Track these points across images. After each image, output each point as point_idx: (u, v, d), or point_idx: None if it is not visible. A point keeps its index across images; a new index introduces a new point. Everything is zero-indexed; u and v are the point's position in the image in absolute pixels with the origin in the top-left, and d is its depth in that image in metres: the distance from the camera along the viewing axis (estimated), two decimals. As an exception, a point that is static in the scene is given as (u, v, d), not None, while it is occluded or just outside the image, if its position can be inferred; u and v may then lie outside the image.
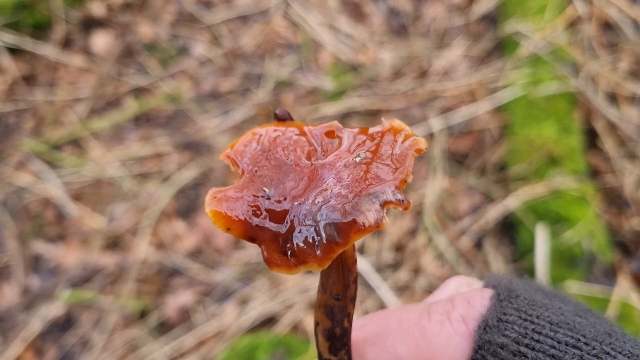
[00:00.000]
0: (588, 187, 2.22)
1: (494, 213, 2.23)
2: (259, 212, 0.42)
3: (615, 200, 2.29)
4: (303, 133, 0.47)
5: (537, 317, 0.52)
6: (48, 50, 3.02)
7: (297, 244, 0.40)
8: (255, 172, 0.44)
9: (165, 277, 2.17)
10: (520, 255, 2.15)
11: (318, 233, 0.40)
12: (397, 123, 0.47)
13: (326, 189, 0.42)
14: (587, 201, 2.16)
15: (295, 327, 1.94)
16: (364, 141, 0.46)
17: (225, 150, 0.47)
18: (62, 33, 3.08)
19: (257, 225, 0.42)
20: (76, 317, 2.12)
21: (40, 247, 2.32)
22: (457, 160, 2.47)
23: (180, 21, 3.16)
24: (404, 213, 2.29)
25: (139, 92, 2.93)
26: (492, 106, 2.58)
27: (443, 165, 2.42)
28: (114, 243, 2.30)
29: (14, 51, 3.00)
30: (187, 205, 2.39)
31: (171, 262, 2.20)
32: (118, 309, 2.09)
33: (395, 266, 2.12)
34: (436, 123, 2.56)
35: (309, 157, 0.45)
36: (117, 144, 2.70)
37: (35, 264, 2.28)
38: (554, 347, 0.50)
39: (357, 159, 0.44)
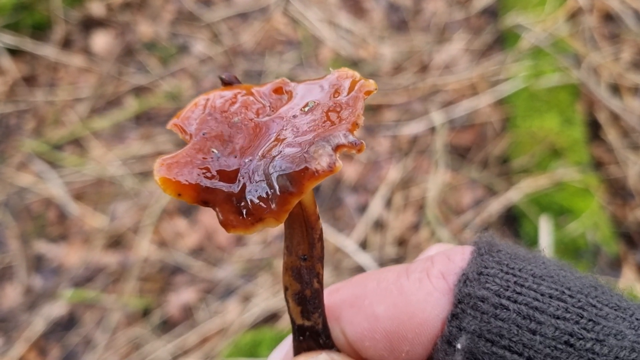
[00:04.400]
0: (591, 178, 2.20)
1: (496, 206, 2.22)
2: (209, 174, 0.41)
3: (619, 191, 2.28)
4: (250, 93, 0.47)
5: (519, 270, 0.50)
6: (48, 50, 3.02)
7: (251, 201, 0.39)
8: (204, 135, 0.43)
9: (167, 275, 2.16)
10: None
11: (271, 186, 0.39)
12: (345, 70, 0.46)
13: (276, 142, 0.41)
14: (590, 193, 2.15)
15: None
16: (313, 92, 0.45)
17: (172, 120, 0.45)
18: (62, 33, 3.07)
19: (208, 187, 0.41)
20: (79, 316, 2.11)
21: (42, 247, 2.32)
22: (459, 154, 2.46)
23: (180, 19, 3.15)
24: (406, 208, 2.28)
25: (139, 91, 2.93)
26: (494, 99, 2.56)
27: (445, 159, 2.41)
28: (116, 242, 2.30)
29: (14, 52, 3.00)
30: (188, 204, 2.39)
31: (173, 260, 2.19)
32: (121, 308, 2.09)
33: (398, 261, 2.11)
34: (438, 117, 2.55)
35: (257, 115, 0.45)
36: (118, 143, 2.70)
37: (37, 263, 2.28)
38: (537, 300, 0.48)
39: (306, 109, 0.43)
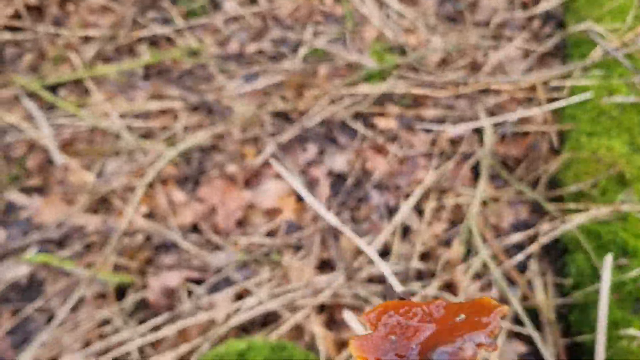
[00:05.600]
0: (663, 217, 1.86)
1: (545, 232, 1.89)
2: (387, 354, 0.52)
3: (691, 237, 1.93)
4: (420, 306, 0.57)
5: None
6: (62, -19, 2.69)
7: None
8: (385, 326, 0.54)
9: (151, 253, 1.83)
10: (572, 287, 1.81)
11: None
12: (485, 298, 0.56)
13: (436, 339, 0.52)
14: (662, 234, 1.81)
15: (299, 334, 1.60)
16: (464, 308, 0.55)
17: (364, 315, 0.56)
18: (80, -34, 2.75)
19: None
20: (41, 283, 1.79)
21: (14, 196, 1.99)
22: (507, 167, 2.13)
23: (213, -29, 2.83)
24: (440, 218, 1.95)
25: (155, 41, 2.61)
26: (554, 109, 2.23)
27: (489, 170, 2.08)
28: (100, 203, 1.97)
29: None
30: (189, 174, 2.06)
31: (161, 235, 1.86)
32: (91, 282, 1.76)
33: (426, 277, 1.78)
34: (486, 121, 2.21)
35: (422, 320, 0.56)
36: (121, 94, 2.37)
37: (5, 215, 1.96)
38: None
39: (458, 319, 0.54)
